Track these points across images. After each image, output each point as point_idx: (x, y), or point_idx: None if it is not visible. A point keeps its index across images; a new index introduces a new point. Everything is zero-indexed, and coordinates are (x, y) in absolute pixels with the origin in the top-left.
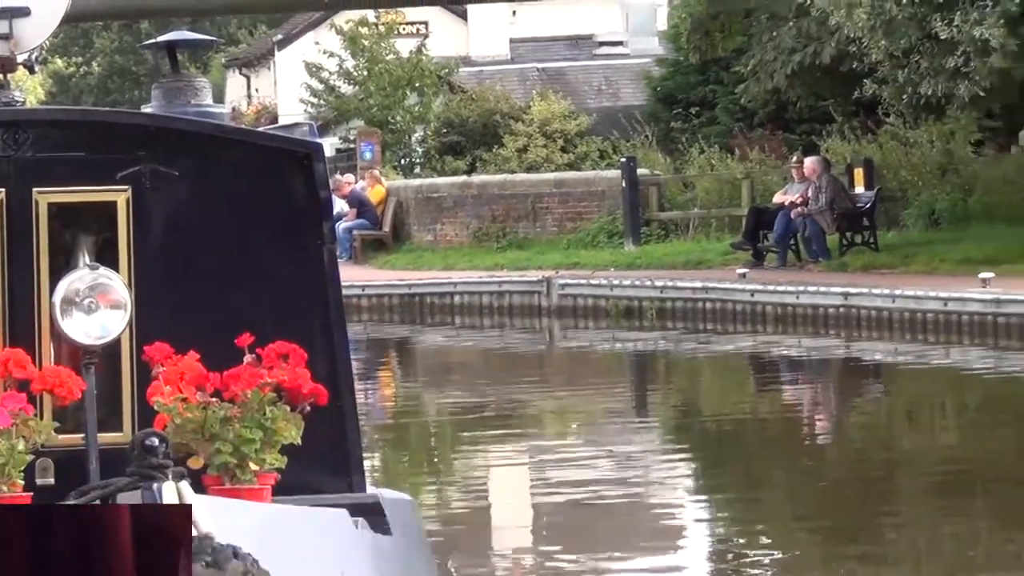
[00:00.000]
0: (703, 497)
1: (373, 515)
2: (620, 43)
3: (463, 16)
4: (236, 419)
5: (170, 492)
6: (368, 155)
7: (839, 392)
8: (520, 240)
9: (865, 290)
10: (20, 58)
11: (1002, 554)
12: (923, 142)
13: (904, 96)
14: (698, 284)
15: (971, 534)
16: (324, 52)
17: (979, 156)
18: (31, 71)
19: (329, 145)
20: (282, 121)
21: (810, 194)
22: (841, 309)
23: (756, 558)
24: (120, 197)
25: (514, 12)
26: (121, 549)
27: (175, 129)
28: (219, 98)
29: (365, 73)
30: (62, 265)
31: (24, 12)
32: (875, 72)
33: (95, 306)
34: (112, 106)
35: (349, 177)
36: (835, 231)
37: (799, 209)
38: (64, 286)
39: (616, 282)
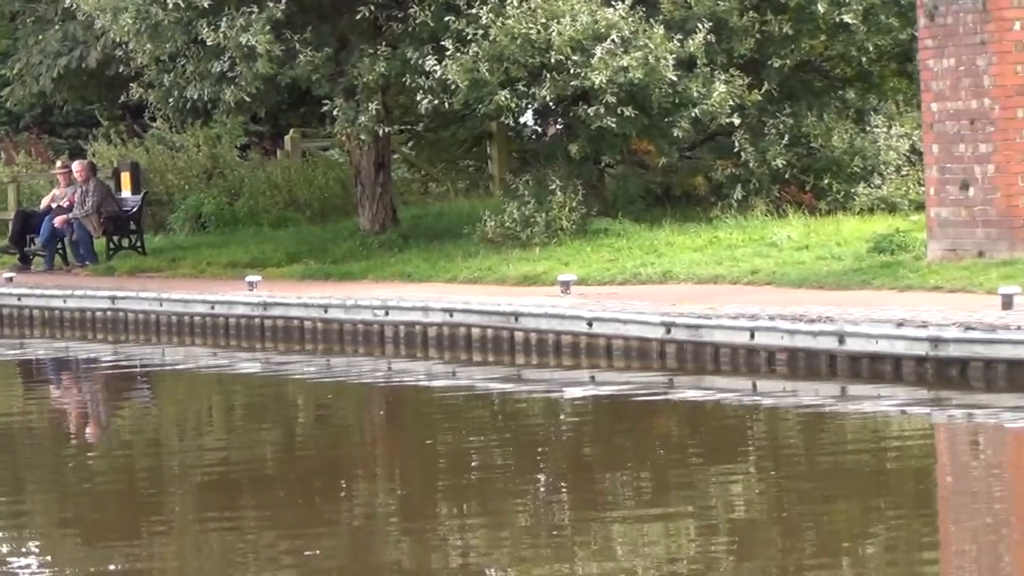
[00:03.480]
0: None
1: None
2: None
3: None
4: None
5: None
6: None
7: (107, 395)
8: None
9: (132, 293)
10: None
11: (271, 554)
12: (190, 146)
13: (170, 100)
14: None
15: (239, 535)
16: None
17: (245, 160)
18: None
19: None
20: None
21: (77, 198)
22: (109, 312)
23: (23, 568)
24: None
25: None
26: None
27: None
28: None
29: None
30: None
31: None
32: (142, 76)
33: None
34: None
35: None
36: (102, 235)
37: (62, 217)
38: None
39: None
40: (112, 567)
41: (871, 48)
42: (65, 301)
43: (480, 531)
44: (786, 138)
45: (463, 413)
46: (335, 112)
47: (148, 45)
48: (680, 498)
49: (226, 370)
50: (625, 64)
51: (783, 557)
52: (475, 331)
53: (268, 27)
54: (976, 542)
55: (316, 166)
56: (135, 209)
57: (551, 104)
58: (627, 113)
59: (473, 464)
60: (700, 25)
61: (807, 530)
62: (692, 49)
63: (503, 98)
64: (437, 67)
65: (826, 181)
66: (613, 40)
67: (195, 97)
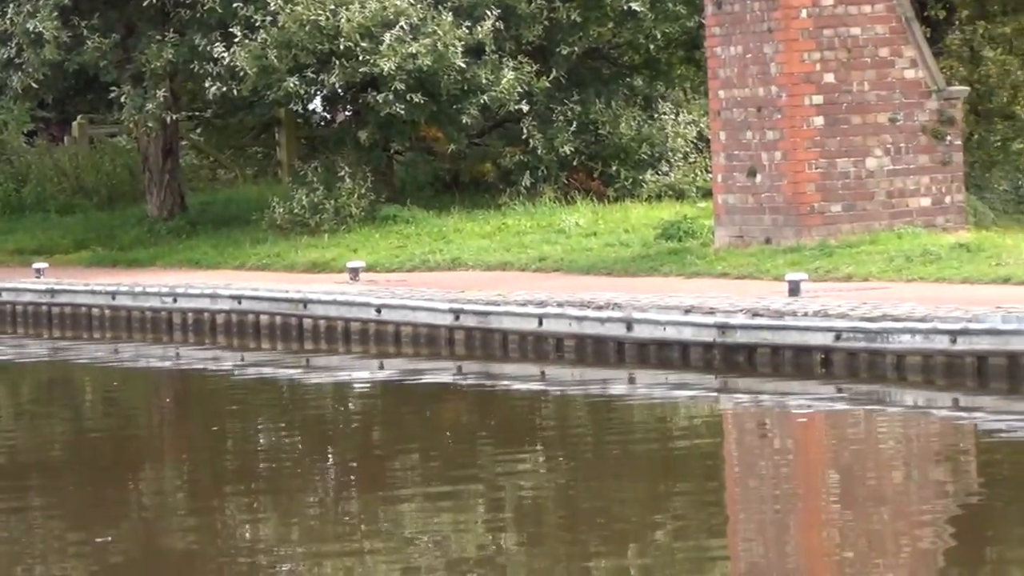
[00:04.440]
0: None
1: None
2: None
3: None
4: None
5: None
6: None
7: None
8: None
9: None
10: None
11: (60, 542)
12: None
13: None
14: None
15: (27, 523)
16: None
17: (32, 146)
18: None
19: None
20: None
21: None
22: None
23: None
24: None
25: None
26: None
27: None
28: None
29: None
30: None
31: None
32: None
33: None
34: None
35: None
36: None
37: None
38: None
39: None
40: None
41: (659, 35)
42: None
43: (268, 516)
44: (574, 125)
45: (251, 400)
46: (123, 99)
47: None
48: (467, 484)
49: (13, 357)
50: (414, 51)
51: (571, 542)
52: (263, 318)
53: (55, 13)
54: (762, 524)
55: (104, 152)
56: None
57: (340, 91)
58: (416, 100)
59: (261, 450)
60: (488, 12)
61: (595, 515)
62: (480, 36)
63: (292, 85)
64: (225, 54)
65: (614, 168)
66: (402, 27)
67: None
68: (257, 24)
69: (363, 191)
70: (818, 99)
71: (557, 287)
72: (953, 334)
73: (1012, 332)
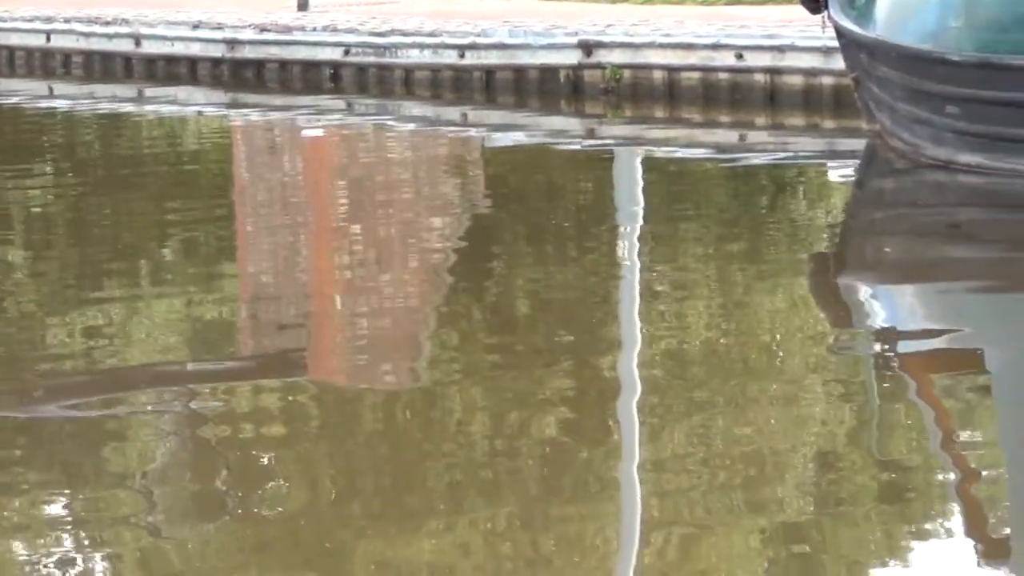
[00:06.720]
0: None
1: None
2: None
3: None
4: None
5: None
6: None
7: None
8: None
9: None
10: None
11: None
12: None
13: None
14: None
15: None
16: None
17: None
18: None
19: None
20: None
21: None
22: None
23: None
24: None
25: None
26: None
27: None
28: None
29: None
30: None
31: None
32: None
33: None
34: None
35: None
36: None
37: None
38: None
39: None
40: None
41: None
42: None
43: None
44: None
45: None
46: None
47: None
48: None
49: None
50: None
51: (78, 255)
52: None
53: None
54: (273, 241)
55: None
56: None
57: None
58: None
59: None
60: None
61: (103, 233)
62: None
63: None
64: None
65: None
66: None
67: None
68: None
69: None
70: None
71: (64, 3)
72: (461, 48)
73: (518, 46)
